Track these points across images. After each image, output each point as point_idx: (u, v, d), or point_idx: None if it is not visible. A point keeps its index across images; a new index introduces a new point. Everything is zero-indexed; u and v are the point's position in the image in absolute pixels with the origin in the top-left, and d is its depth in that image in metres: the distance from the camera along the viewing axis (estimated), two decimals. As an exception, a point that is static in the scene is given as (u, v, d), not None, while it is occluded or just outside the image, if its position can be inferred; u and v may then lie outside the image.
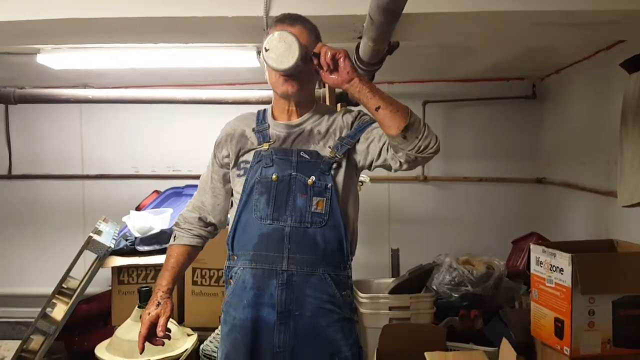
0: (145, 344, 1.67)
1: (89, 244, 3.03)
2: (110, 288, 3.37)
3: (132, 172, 4.45)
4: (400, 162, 1.55)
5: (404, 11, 1.63)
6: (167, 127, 4.41)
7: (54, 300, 2.97)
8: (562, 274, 2.57)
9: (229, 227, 1.73)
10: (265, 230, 1.62)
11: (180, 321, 3.17)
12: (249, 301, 1.64)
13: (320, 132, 1.69)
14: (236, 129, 1.77)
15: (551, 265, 2.67)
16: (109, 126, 4.45)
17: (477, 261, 3.79)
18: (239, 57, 3.09)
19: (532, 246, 2.96)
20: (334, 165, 1.65)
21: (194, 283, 3.27)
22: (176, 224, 1.87)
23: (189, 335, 2.88)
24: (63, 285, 3.04)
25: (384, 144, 1.60)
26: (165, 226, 3.43)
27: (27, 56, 3.08)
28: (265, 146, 1.68)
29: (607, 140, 3.00)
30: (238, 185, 1.70)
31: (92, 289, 3.35)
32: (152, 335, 1.67)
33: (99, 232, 3.16)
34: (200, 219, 1.84)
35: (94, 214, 3.85)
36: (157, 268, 3.25)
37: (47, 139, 4.49)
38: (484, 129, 4.35)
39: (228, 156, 1.75)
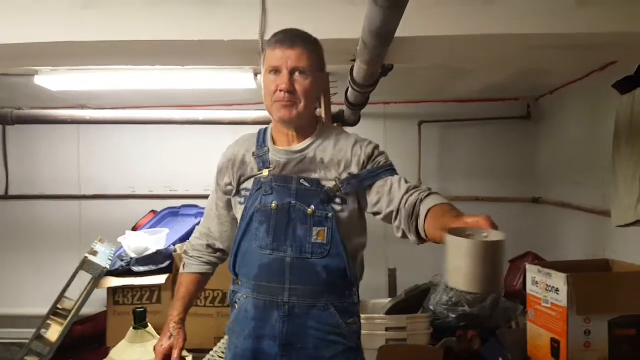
0: None
1: (85, 264, 3.02)
2: (105, 309, 3.35)
3: (129, 192, 4.45)
4: (400, 236, 1.51)
5: (397, 35, 1.65)
6: (164, 148, 4.43)
7: (48, 321, 2.96)
8: (557, 294, 2.57)
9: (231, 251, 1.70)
10: (265, 260, 1.57)
11: (176, 342, 3.14)
12: (250, 332, 1.60)
13: (324, 161, 1.60)
14: (237, 155, 1.69)
15: (547, 285, 2.67)
16: (106, 147, 4.47)
17: (474, 281, 3.77)
18: (236, 78, 3.12)
19: (527, 266, 2.96)
20: (337, 200, 1.57)
21: (190, 304, 3.25)
22: (185, 252, 1.84)
23: (183, 356, 2.85)
24: (58, 306, 3.03)
25: (393, 211, 1.51)
26: (161, 247, 3.42)
27: (25, 77, 3.11)
28: (265, 172, 1.61)
29: (601, 160, 3.01)
30: (239, 212, 1.66)
31: (87, 309, 3.34)
32: None
33: (94, 253, 3.15)
34: (208, 245, 1.80)
35: (90, 234, 3.85)
36: (152, 289, 3.24)
37: (44, 159, 4.50)
38: (479, 149, 4.37)
39: (230, 184, 1.69)
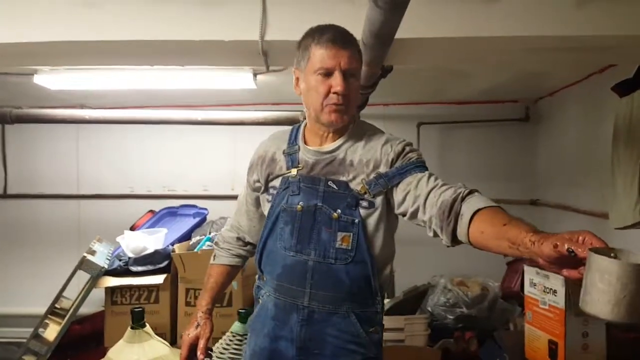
0: None
1: (83, 264, 3.02)
2: (103, 308, 3.34)
3: (128, 192, 4.45)
4: (432, 235, 1.42)
5: (397, 36, 1.66)
6: (163, 147, 4.43)
7: (46, 321, 2.95)
8: (555, 295, 2.58)
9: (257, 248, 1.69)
10: (288, 261, 1.55)
11: (173, 342, 3.14)
12: (269, 331, 1.59)
13: (353, 163, 1.55)
14: (267, 152, 1.66)
15: (545, 286, 2.68)
16: (105, 146, 4.47)
17: (472, 282, 3.79)
18: (235, 79, 3.12)
19: (525, 268, 2.97)
20: (364, 203, 1.52)
21: (187, 304, 3.25)
22: (216, 244, 1.85)
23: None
24: (56, 305, 3.02)
25: (419, 206, 1.43)
26: (159, 246, 3.42)
27: (25, 77, 3.11)
28: (294, 172, 1.58)
29: (600, 162, 3.02)
30: (266, 210, 1.64)
31: (85, 309, 3.32)
32: (192, 358, 1.65)
33: (92, 252, 3.14)
34: (238, 238, 1.80)
35: (89, 233, 3.84)
36: (150, 289, 3.23)
37: (43, 158, 4.50)
38: (478, 151, 4.38)
39: (258, 181, 1.67)
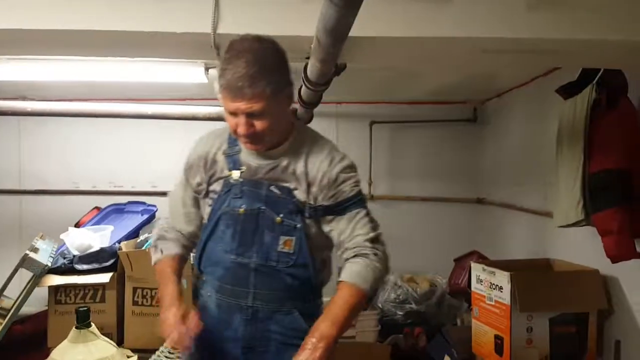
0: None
1: (25, 261, 2.93)
2: (46, 308, 3.24)
3: (72, 188, 4.31)
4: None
5: (351, 34, 1.66)
6: (109, 142, 4.31)
7: (-16, 321, 2.83)
8: (501, 291, 2.66)
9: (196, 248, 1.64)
10: (230, 264, 1.54)
11: (120, 342, 3.07)
12: (214, 332, 1.57)
13: (295, 172, 1.53)
14: (209, 152, 1.60)
15: (491, 283, 2.76)
16: (48, 140, 4.31)
17: (421, 279, 3.87)
18: (186, 72, 3.07)
19: (472, 264, 3.05)
20: (305, 213, 1.52)
21: (135, 303, 3.19)
22: (158, 239, 1.66)
23: (128, 357, 2.79)
24: (-5, 305, 2.91)
25: (341, 246, 1.55)
26: (105, 244, 3.34)
27: (-38, 66, 2.96)
28: (236, 174, 1.54)
29: (544, 162, 3.13)
30: (206, 214, 1.60)
31: (28, 308, 3.22)
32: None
33: (35, 250, 3.05)
34: (180, 233, 1.67)
35: (31, 230, 3.71)
36: (96, 287, 3.16)
37: (-19, 152, 4.30)
38: (428, 150, 4.46)
39: (201, 184, 1.60)
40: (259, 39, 1.46)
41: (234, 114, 1.44)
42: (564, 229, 2.61)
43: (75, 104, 3.57)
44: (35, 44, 2.05)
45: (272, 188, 1.53)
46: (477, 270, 2.93)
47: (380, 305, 3.57)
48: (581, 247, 2.81)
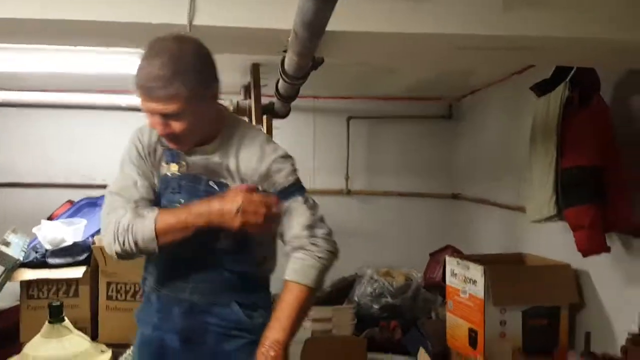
0: None
1: (-5, 256, 2.87)
2: (18, 303, 3.18)
3: (45, 181, 4.23)
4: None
5: (328, 28, 1.66)
6: (83, 134, 4.24)
7: (-46, 317, 2.78)
8: (475, 285, 2.69)
9: None
10: (169, 257, 1.53)
11: (94, 337, 3.04)
12: (155, 324, 1.60)
13: (229, 169, 1.53)
14: (151, 142, 1.57)
15: (465, 277, 2.79)
16: (20, 132, 4.22)
17: (397, 273, 3.90)
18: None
19: (447, 258, 3.09)
20: None
21: (109, 298, 3.16)
22: (135, 217, 1.46)
23: (102, 351, 2.76)
24: (-35, 300, 2.85)
25: (284, 237, 1.54)
26: (79, 238, 3.29)
27: None
28: (174, 168, 1.54)
29: (518, 158, 3.17)
30: None
31: (-1, 303, 3.17)
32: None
33: (7, 244, 3.00)
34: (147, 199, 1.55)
35: (2, 224, 3.63)
36: (69, 282, 3.12)
37: (-51, 143, 4.19)
38: (404, 146, 4.50)
39: (152, 173, 1.56)
40: (179, 39, 1.44)
41: (150, 113, 1.42)
42: (536, 224, 2.66)
43: (48, 95, 3.51)
44: (7, 32, 2.01)
45: (211, 183, 1.53)
46: (451, 264, 2.97)
47: (356, 299, 3.59)
48: (553, 242, 2.86)
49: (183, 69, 1.37)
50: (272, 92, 3.02)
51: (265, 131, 3.24)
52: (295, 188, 1.54)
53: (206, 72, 1.45)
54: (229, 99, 3.37)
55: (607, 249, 2.35)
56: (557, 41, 1.93)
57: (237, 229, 1.41)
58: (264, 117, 3.30)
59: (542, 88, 2.66)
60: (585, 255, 2.39)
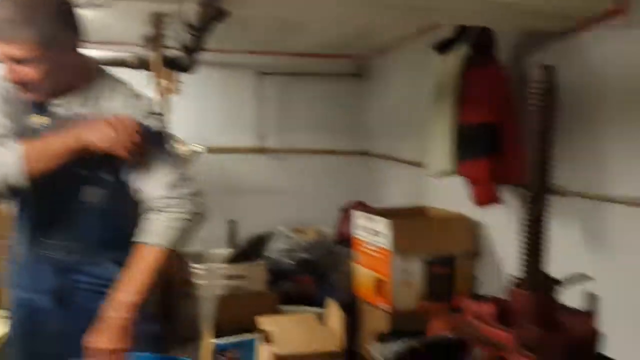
0: None
1: None
2: None
3: None
4: None
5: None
6: None
7: None
8: (381, 237, 2.82)
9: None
10: (35, 213, 1.52)
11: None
12: (26, 285, 1.57)
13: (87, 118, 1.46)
14: (8, 92, 1.48)
15: (372, 229, 2.91)
16: None
17: (310, 229, 4.00)
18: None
19: (354, 212, 3.20)
20: (111, 165, 1.47)
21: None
22: None
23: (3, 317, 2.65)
24: None
25: (140, 197, 1.49)
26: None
27: None
28: (37, 119, 1.46)
29: (421, 116, 3.26)
30: None
31: None
32: None
33: None
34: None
35: None
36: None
37: None
38: (316, 104, 4.52)
39: (4, 125, 1.47)
40: None
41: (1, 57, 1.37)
42: (436, 178, 2.78)
43: None
44: None
45: None
46: (358, 217, 3.08)
47: (271, 256, 3.65)
48: (453, 195, 2.99)
49: (37, 13, 1.33)
50: (177, 44, 2.91)
51: (169, 85, 3.14)
52: (158, 140, 1.51)
53: (63, 19, 1.41)
54: (129, 51, 3.24)
55: (499, 200, 2.50)
56: (456, 1, 1.99)
57: (106, 150, 1.38)
58: (167, 70, 3.16)
59: (443, 47, 2.74)
60: (479, 205, 2.54)
